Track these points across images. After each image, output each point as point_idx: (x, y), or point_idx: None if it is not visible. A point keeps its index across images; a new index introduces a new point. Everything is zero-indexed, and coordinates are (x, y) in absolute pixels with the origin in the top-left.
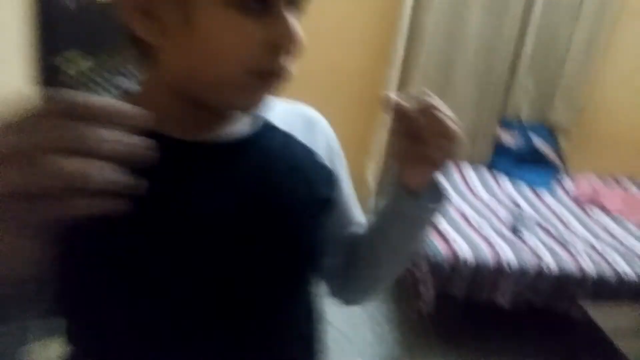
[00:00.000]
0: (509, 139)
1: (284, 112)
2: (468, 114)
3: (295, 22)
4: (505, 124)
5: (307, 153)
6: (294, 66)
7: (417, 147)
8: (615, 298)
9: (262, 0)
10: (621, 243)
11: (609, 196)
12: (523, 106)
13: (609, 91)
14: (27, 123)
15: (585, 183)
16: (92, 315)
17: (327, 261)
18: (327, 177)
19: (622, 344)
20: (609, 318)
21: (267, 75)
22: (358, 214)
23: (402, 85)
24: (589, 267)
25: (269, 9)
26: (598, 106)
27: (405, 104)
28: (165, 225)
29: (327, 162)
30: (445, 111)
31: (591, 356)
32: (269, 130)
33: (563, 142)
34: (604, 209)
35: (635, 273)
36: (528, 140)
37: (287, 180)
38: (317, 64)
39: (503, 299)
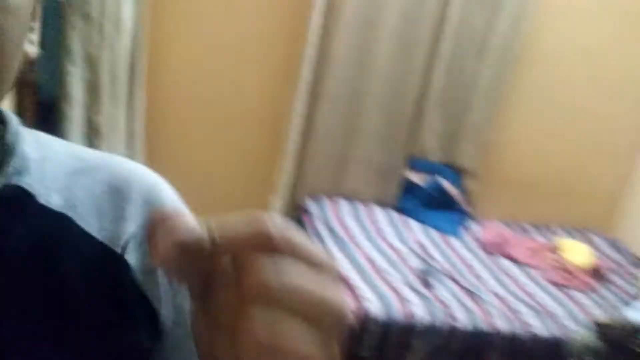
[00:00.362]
0: (418, 179)
1: (80, 171)
2: (377, 149)
3: None
4: (414, 163)
5: (92, 253)
6: None
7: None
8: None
9: None
10: (532, 298)
11: (516, 245)
12: (431, 145)
13: (514, 133)
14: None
15: (493, 230)
16: None
17: None
18: (134, 300)
19: None
20: None
21: None
22: None
23: (309, 117)
24: (502, 326)
25: None
26: (504, 148)
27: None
28: None
29: (144, 274)
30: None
31: None
32: (15, 203)
33: (470, 185)
34: (511, 258)
35: (549, 332)
36: (436, 182)
37: (28, 303)
38: (215, 89)
39: None
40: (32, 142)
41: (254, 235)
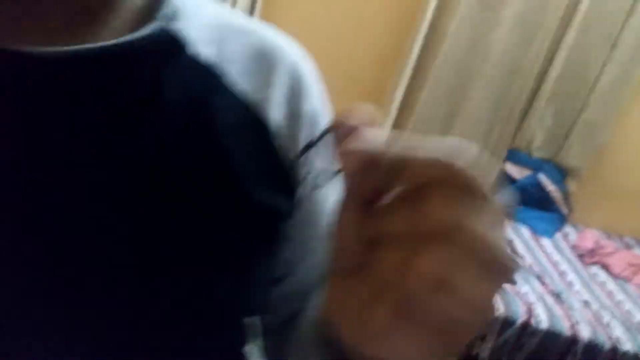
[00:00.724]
0: (516, 173)
1: (233, 32)
2: (477, 136)
3: None
4: (515, 155)
5: (238, 117)
6: None
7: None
8: None
9: None
10: (623, 312)
11: (614, 256)
12: (536, 138)
13: (631, 138)
14: None
15: (590, 237)
16: None
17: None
18: (277, 171)
19: None
20: None
21: None
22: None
23: (409, 91)
24: (584, 331)
25: None
26: (618, 151)
27: (378, 144)
28: None
29: (286, 141)
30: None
31: None
32: (165, 49)
33: (572, 186)
34: (606, 268)
35: (634, 346)
36: (535, 178)
37: (184, 159)
38: (323, 58)
39: (483, 353)
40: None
41: (447, 166)
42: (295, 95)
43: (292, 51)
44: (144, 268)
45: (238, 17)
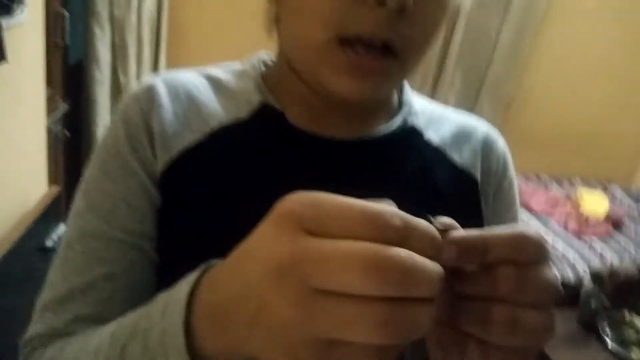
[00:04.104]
0: None
1: (444, 119)
2: None
3: None
4: None
5: (456, 178)
6: (414, 39)
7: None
8: None
9: None
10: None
11: (534, 196)
12: (450, 101)
13: (535, 88)
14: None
15: None
16: None
17: None
18: (474, 225)
19: (557, 355)
20: None
21: (362, 49)
22: None
23: None
24: None
25: None
26: (527, 104)
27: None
28: None
29: (487, 203)
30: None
31: None
32: (410, 136)
33: None
34: (529, 208)
35: (564, 278)
36: None
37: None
38: (236, 50)
39: None
40: (415, 97)
41: (516, 252)
42: (486, 158)
43: (481, 126)
44: None
45: (437, 107)
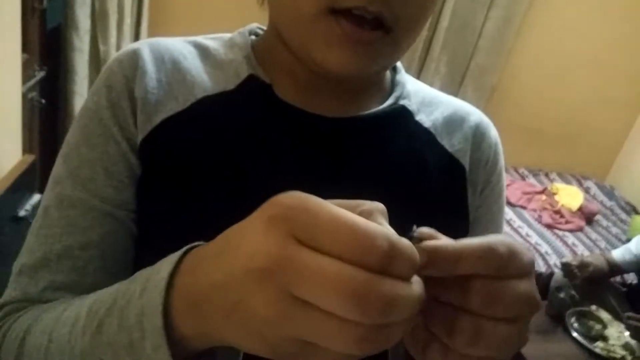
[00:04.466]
0: None
1: (437, 104)
2: None
3: None
4: None
5: (444, 163)
6: (406, 16)
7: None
8: None
9: None
10: (523, 238)
11: (511, 187)
12: (434, 87)
13: (517, 78)
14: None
15: None
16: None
17: None
18: (458, 212)
19: (525, 348)
20: None
21: (354, 20)
22: None
23: None
24: None
25: None
26: (508, 91)
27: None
28: None
29: (474, 193)
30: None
31: None
32: (400, 117)
33: None
34: (507, 201)
35: (536, 269)
36: None
37: (405, 186)
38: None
39: None
40: (409, 80)
41: (486, 265)
42: (476, 146)
43: (474, 113)
44: None
45: (432, 91)
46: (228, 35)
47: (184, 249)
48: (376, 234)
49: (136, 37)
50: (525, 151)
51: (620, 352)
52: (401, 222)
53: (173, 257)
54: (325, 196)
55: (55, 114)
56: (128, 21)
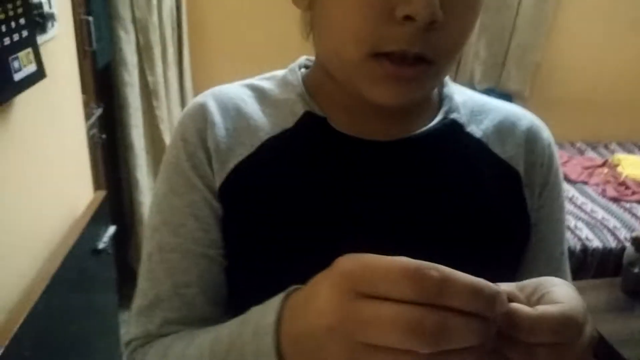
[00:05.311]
0: None
1: (487, 111)
2: None
3: None
4: None
5: (499, 171)
6: (447, 48)
7: None
8: (581, 271)
9: None
10: (588, 214)
11: (569, 163)
12: (476, 71)
13: (561, 53)
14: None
15: None
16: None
17: None
18: (518, 217)
19: (604, 326)
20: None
21: (396, 59)
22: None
23: None
24: None
25: None
26: (552, 68)
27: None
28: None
29: (532, 196)
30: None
31: None
32: (451, 131)
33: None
34: (565, 177)
35: (604, 245)
36: None
37: (462, 201)
38: (254, 40)
39: None
40: (457, 91)
41: (557, 337)
42: (530, 150)
43: (524, 117)
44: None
45: (480, 98)
46: (281, 73)
47: (283, 294)
48: (427, 267)
49: (180, 64)
50: (579, 124)
51: None
52: (462, 236)
53: (275, 303)
54: (391, 217)
55: (115, 146)
56: (171, 50)
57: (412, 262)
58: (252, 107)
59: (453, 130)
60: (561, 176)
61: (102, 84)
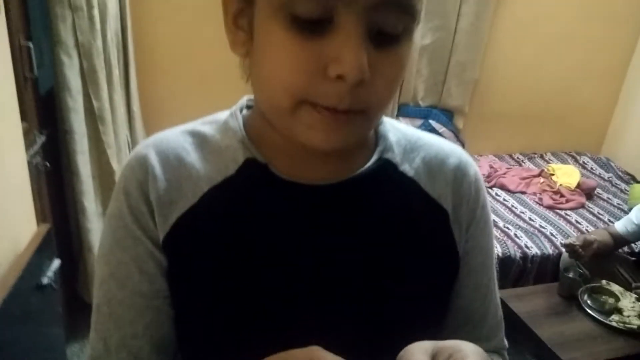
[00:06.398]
0: (410, 125)
1: (418, 148)
2: None
3: (357, 42)
4: (403, 110)
5: (429, 209)
6: (375, 101)
7: None
8: (522, 277)
9: (314, 20)
10: (526, 222)
11: (508, 175)
12: (418, 89)
13: (497, 70)
14: None
15: (485, 164)
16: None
17: None
18: (447, 252)
19: (542, 330)
20: (524, 302)
21: (327, 110)
22: (489, 325)
23: None
24: (494, 245)
25: (330, 25)
26: (490, 85)
27: None
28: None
29: (460, 231)
30: None
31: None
32: (385, 171)
33: (460, 124)
34: (504, 188)
35: (541, 251)
36: (427, 125)
37: (391, 233)
38: (203, 63)
39: None
40: (392, 129)
41: None
42: (456, 190)
43: (455, 154)
44: (378, 302)
45: (413, 134)
46: (222, 117)
47: None
48: None
49: (127, 88)
50: (517, 137)
51: (636, 322)
52: (398, 267)
53: None
54: (334, 257)
55: (60, 173)
56: (116, 73)
57: None
58: (193, 156)
59: (387, 169)
60: (488, 209)
61: (45, 110)
